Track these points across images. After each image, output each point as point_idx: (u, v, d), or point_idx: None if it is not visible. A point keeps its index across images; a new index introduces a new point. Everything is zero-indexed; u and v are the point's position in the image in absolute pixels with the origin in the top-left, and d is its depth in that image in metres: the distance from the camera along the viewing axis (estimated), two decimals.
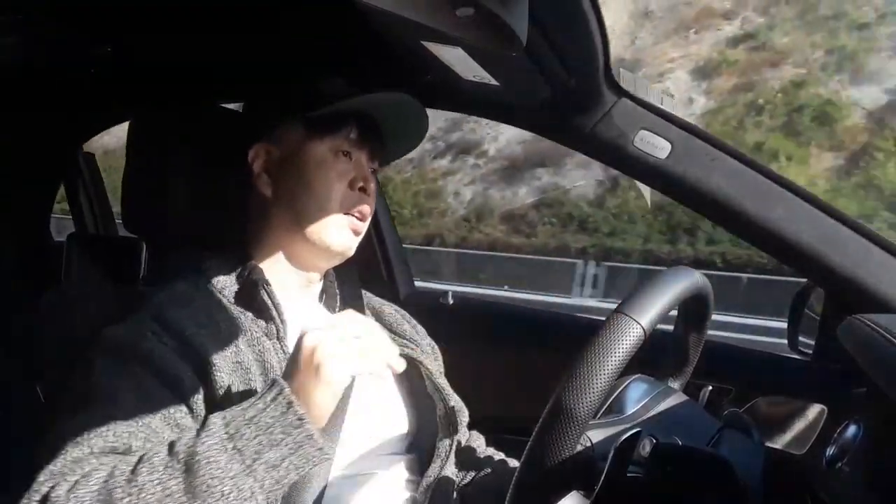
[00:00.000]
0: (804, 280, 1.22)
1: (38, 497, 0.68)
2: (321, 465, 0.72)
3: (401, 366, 0.74)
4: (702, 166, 1.11)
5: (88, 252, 1.42)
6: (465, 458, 1.09)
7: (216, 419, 0.69)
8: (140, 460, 0.68)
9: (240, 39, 1.22)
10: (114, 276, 1.30)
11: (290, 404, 0.68)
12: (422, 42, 0.91)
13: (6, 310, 1.76)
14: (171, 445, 0.69)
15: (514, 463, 1.08)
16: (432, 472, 0.97)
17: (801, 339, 1.23)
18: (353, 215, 0.95)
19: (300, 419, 0.67)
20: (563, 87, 1.10)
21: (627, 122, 1.13)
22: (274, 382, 0.70)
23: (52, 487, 0.68)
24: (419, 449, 1.02)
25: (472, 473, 1.07)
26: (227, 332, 0.86)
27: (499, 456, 1.11)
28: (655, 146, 1.12)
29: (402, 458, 0.99)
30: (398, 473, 0.97)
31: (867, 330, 0.84)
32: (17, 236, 1.93)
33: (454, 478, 1.02)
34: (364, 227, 0.98)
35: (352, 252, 0.98)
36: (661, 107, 1.14)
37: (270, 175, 0.96)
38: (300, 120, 0.95)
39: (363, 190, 0.95)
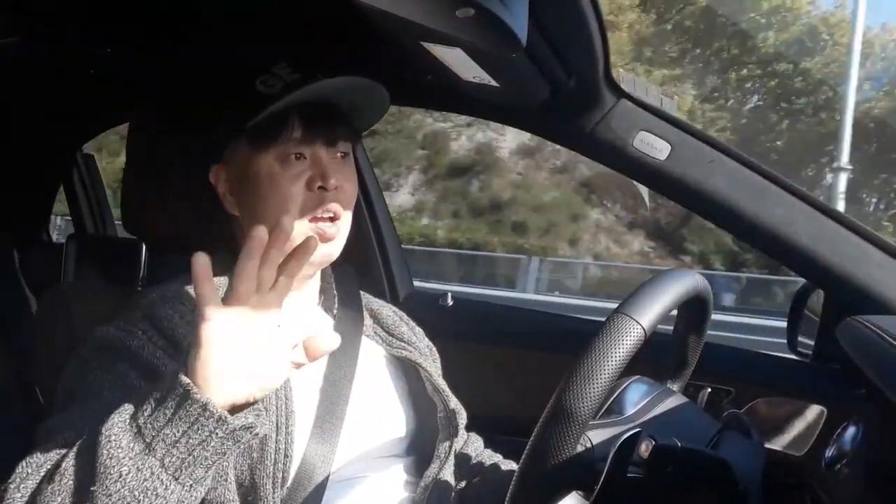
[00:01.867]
0: (803, 280, 1.22)
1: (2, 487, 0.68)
2: (244, 444, 0.67)
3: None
4: (701, 167, 1.11)
5: (88, 253, 1.42)
6: (464, 459, 1.09)
7: (131, 403, 0.67)
8: (74, 446, 0.66)
9: (235, 39, 1.22)
10: (113, 276, 1.30)
11: (175, 375, 0.64)
12: (421, 42, 0.91)
13: (6, 310, 1.76)
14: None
15: (512, 464, 1.08)
16: (431, 472, 0.97)
17: (800, 339, 1.24)
18: (320, 220, 0.89)
19: (186, 390, 0.63)
20: (562, 87, 1.10)
21: (627, 123, 1.13)
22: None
23: (13, 480, 0.67)
24: (418, 451, 1.02)
25: (471, 475, 1.07)
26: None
27: (497, 457, 1.11)
28: (655, 147, 1.12)
29: (401, 460, 0.99)
30: (396, 475, 0.97)
31: (866, 331, 0.84)
32: (17, 236, 1.93)
33: (452, 479, 1.02)
34: (336, 228, 0.90)
35: (332, 258, 0.93)
36: (661, 108, 1.14)
37: (233, 195, 0.93)
38: (243, 133, 0.89)
39: (323, 188, 0.88)
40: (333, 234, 0.90)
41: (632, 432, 0.68)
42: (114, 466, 0.62)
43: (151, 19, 1.21)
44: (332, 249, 0.92)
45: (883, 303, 1.04)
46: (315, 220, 0.89)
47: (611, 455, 0.67)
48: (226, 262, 0.94)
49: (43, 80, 1.56)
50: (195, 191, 0.98)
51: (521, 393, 1.20)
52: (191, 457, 0.64)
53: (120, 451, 0.62)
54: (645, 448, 0.68)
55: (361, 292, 1.10)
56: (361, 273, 1.64)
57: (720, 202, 1.10)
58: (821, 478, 0.96)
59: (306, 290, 1.00)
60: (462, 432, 1.07)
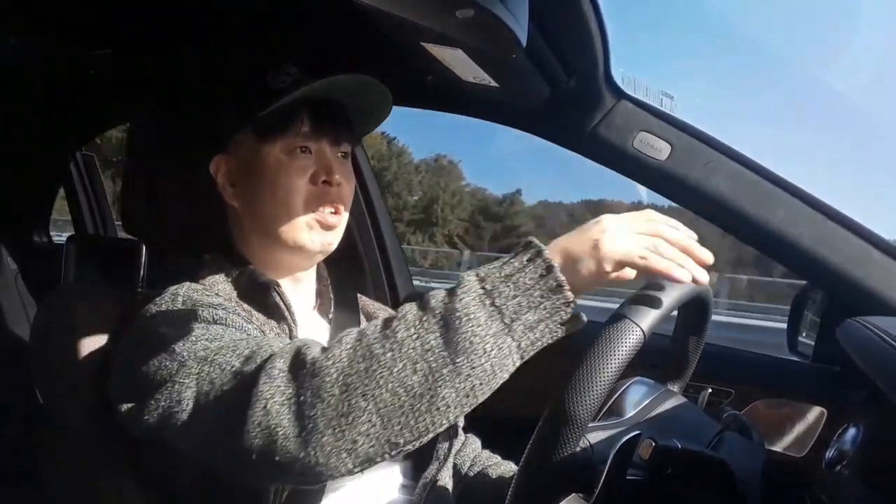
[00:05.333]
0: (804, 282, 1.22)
1: (284, 362, 0.69)
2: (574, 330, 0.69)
3: (703, 278, 0.69)
4: (701, 168, 1.11)
5: (88, 253, 1.42)
6: (462, 460, 1.09)
7: (470, 276, 0.68)
8: (387, 321, 0.68)
9: (237, 43, 1.22)
10: (114, 277, 1.30)
11: (549, 268, 0.66)
12: (422, 43, 0.91)
13: (6, 310, 1.77)
14: (420, 303, 0.68)
15: (511, 465, 1.08)
16: (429, 473, 0.97)
17: (800, 340, 1.23)
18: (322, 210, 0.92)
19: (559, 285, 0.65)
20: (563, 88, 1.10)
21: (627, 123, 1.13)
22: (529, 243, 0.68)
23: (295, 355, 0.69)
24: (414, 454, 1.01)
25: (470, 475, 1.07)
26: (251, 322, 0.86)
27: (495, 458, 1.11)
28: (655, 148, 1.12)
29: (397, 463, 0.99)
30: (392, 478, 0.97)
31: (866, 332, 0.84)
32: (17, 237, 1.93)
33: (451, 480, 1.02)
34: (338, 219, 0.93)
35: (332, 248, 0.95)
36: (661, 109, 1.14)
37: (234, 185, 0.94)
38: (250, 125, 0.92)
39: (327, 182, 0.91)
40: (334, 222, 0.93)
41: (632, 434, 0.68)
42: (478, 343, 0.64)
43: (151, 19, 1.21)
44: (332, 238, 0.94)
45: (883, 304, 1.03)
46: (317, 209, 0.91)
47: (610, 457, 0.67)
48: (223, 263, 0.94)
49: (43, 81, 1.56)
50: (195, 192, 0.98)
51: (520, 393, 1.19)
52: (541, 341, 0.66)
53: (480, 328, 0.64)
54: (645, 449, 0.68)
55: (358, 295, 1.10)
56: (362, 273, 1.64)
57: (721, 203, 1.10)
58: (821, 479, 0.96)
59: (303, 292, 1.00)
60: (461, 433, 1.07)
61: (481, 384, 0.65)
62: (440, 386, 0.64)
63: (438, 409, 0.64)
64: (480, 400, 0.66)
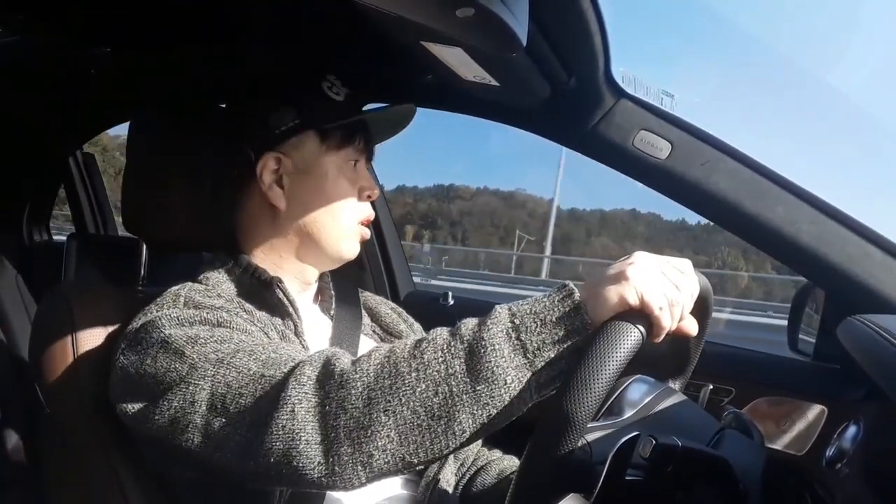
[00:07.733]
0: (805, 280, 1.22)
1: (313, 370, 0.70)
2: None
3: (693, 329, 0.73)
4: (702, 166, 1.11)
5: (88, 252, 1.42)
6: (465, 457, 1.09)
7: (502, 309, 0.69)
8: (417, 342, 0.70)
9: (237, 41, 1.22)
10: (114, 276, 1.30)
11: (576, 308, 0.67)
12: (422, 42, 0.91)
13: (6, 310, 1.77)
14: (452, 329, 0.70)
15: (514, 459, 1.08)
16: (432, 470, 0.97)
17: (801, 339, 1.23)
18: (361, 224, 0.99)
19: (584, 326, 0.67)
20: (563, 87, 1.10)
21: (627, 122, 1.13)
22: (565, 285, 0.70)
23: (325, 364, 0.71)
24: None
25: (472, 473, 1.08)
26: (253, 324, 0.86)
27: (498, 453, 1.11)
28: (655, 146, 1.12)
29: None
30: None
31: (866, 330, 0.84)
32: (16, 236, 1.93)
33: (453, 477, 1.02)
34: (369, 232, 1.01)
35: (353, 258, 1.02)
36: (661, 107, 1.14)
37: (283, 186, 0.95)
38: (315, 131, 0.95)
39: (370, 197, 0.99)
40: (367, 235, 1.00)
41: (631, 435, 0.68)
42: (500, 374, 0.66)
43: (151, 17, 1.21)
44: (359, 249, 1.01)
45: (883, 302, 1.04)
46: (358, 221, 0.98)
47: (610, 457, 0.67)
48: (225, 262, 0.94)
49: (43, 80, 1.56)
50: (196, 191, 0.98)
51: None
52: (560, 378, 0.67)
53: (503, 360, 0.66)
54: (645, 447, 0.68)
55: (360, 290, 1.10)
56: (362, 270, 1.65)
57: (721, 201, 1.10)
58: (821, 477, 0.96)
59: (306, 289, 1.00)
60: None
61: (498, 413, 0.66)
62: (458, 411, 0.66)
63: (454, 432, 0.66)
64: (495, 429, 0.67)
